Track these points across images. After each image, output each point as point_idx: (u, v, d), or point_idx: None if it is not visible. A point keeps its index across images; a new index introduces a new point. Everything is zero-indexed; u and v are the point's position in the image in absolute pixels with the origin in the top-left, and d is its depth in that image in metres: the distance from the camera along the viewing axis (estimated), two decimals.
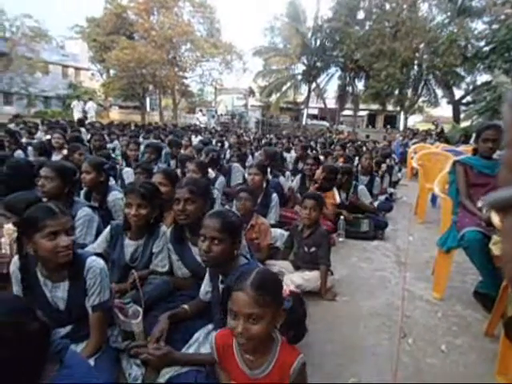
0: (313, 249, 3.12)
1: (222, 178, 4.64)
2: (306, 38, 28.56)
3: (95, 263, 1.89)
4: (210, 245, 1.86)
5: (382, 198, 5.88)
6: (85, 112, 19.41)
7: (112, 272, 2.35)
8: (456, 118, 22.67)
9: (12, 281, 1.89)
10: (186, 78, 31.66)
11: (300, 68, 30.74)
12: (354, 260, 3.93)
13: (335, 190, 4.72)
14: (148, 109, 33.46)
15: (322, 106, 31.64)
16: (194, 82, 33.06)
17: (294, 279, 3.01)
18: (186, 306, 2.13)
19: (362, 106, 31.73)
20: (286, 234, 3.54)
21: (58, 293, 1.84)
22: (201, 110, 26.79)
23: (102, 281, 1.89)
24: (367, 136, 19.52)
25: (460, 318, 2.80)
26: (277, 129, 27.14)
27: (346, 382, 2.05)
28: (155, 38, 27.66)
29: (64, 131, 8.02)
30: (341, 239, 4.42)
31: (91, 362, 1.72)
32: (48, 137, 7.37)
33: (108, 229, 2.54)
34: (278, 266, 3.20)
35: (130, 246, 2.46)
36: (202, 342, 1.93)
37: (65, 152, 5.49)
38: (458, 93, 24.75)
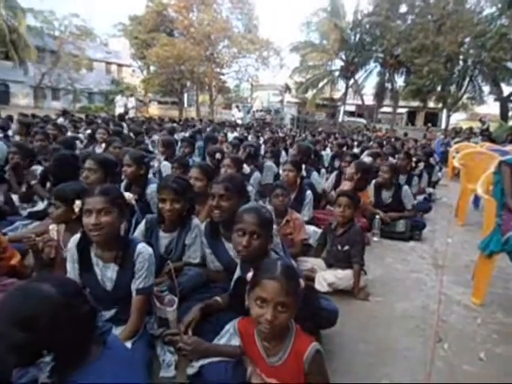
0: (346, 247, 3.08)
1: (257, 174, 4.65)
2: (344, 32, 27.99)
3: (145, 249, 2.01)
4: (250, 239, 1.89)
5: (420, 197, 5.70)
6: (126, 107, 20.10)
7: None
8: (504, 116, 21.45)
9: (67, 259, 2.03)
10: (223, 74, 32.01)
11: (337, 64, 30.21)
12: (389, 260, 3.84)
13: (370, 189, 4.62)
14: (185, 104, 34.14)
15: (360, 102, 30.96)
16: (231, 79, 33.42)
17: (326, 277, 2.99)
18: (218, 298, 2.17)
19: (401, 103, 30.68)
20: (319, 231, 3.52)
21: (108, 273, 1.96)
22: (237, 106, 27.01)
23: (149, 267, 2.01)
24: (405, 134, 18.87)
25: (501, 326, 2.67)
26: (312, 125, 26.85)
27: (379, 383, 2.02)
28: (194, 34, 28.13)
29: (106, 125, 8.37)
30: (375, 239, 4.33)
31: (128, 344, 1.81)
32: (88, 131, 7.69)
33: (143, 222, 2.64)
34: (311, 263, 3.20)
35: (164, 238, 2.55)
36: (234, 334, 1.96)
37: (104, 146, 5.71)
38: (506, 89, 23.38)
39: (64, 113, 12.74)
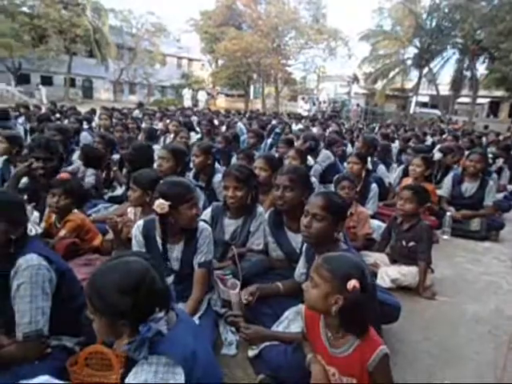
0: (412, 243, 2.97)
1: (317, 166, 4.64)
2: (419, 18, 26.26)
3: (205, 227, 2.20)
4: (311, 220, 1.92)
5: (499, 195, 5.25)
6: (195, 100, 20.89)
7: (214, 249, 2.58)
8: None
9: (133, 244, 2.22)
10: (290, 65, 31.83)
11: (411, 52, 28.46)
12: (460, 260, 3.62)
13: (448, 180, 4.35)
14: (251, 97, 34.58)
15: (434, 92, 28.90)
16: (297, 70, 33.13)
17: (389, 273, 2.92)
18: (279, 284, 2.24)
19: (482, 93, 28.07)
20: (384, 225, 3.42)
21: (174, 253, 2.13)
22: (303, 98, 26.75)
23: (210, 243, 2.19)
24: (486, 127, 17.27)
25: None
26: (381, 117, 25.74)
27: (441, 383, 1.95)
28: (262, 27, 28.28)
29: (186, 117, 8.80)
30: (445, 237, 4.09)
31: (196, 320, 1.95)
32: (160, 124, 8.18)
33: (209, 209, 2.77)
34: (374, 257, 3.13)
35: (229, 224, 2.66)
36: (292, 320, 2.02)
37: (172, 136, 6.04)
38: None
39: (139, 106, 13.63)
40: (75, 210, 2.70)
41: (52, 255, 1.70)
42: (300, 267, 2.22)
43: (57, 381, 1.40)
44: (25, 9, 23.19)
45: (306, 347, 1.67)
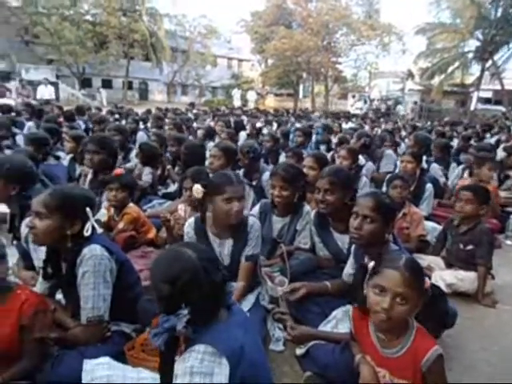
0: (470, 246, 2.80)
1: (369, 164, 4.53)
2: (482, 8, 24.56)
3: (255, 221, 2.26)
4: (362, 223, 1.90)
5: None
6: (244, 100, 21.14)
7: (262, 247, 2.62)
8: None
9: (184, 239, 2.31)
10: (340, 63, 31.20)
11: (472, 45, 26.66)
12: None
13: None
14: (301, 96, 34.36)
15: (498, 87, 26.87)
16: (348, 67, 32.37)
17: (445, 277, 2.79)
18: (327, 283, 2.23)
19: None
20: (439, 228, 3.27)
21: (225, 249, 2.20)
22: (353, 96, 26.12)
23: (258, 237, 2.23)
24: None
25: None
26: (438, 115, 24.42)
27: None
28: (312, 25, 27.98)
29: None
30: (509, 242, 3.82)
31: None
32: (212, 123, 8.39)
33: (258, 206, 2.82)
34: (428, 260, 3.00)
35: (277, 222, 2.69)
36: (341, 320, 2.00)
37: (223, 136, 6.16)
38: None
39: (190, 106, 14.08)
40: (131, 204, 2.86)
41: (113, 247, 1.82)
42: (348, 268, 2.20)
43: (116, 363, 1.51)
44: (88, 17, 24.77)
45: (355, 347, 1.66)
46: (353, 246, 2.17)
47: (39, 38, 22.16)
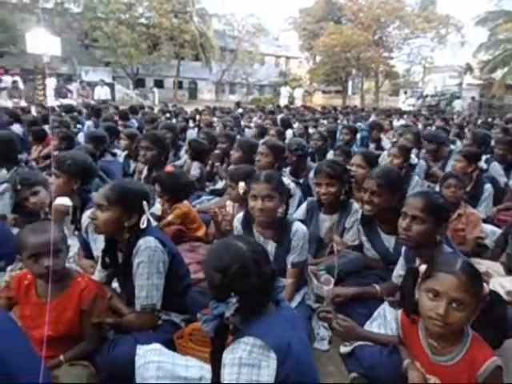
0: None
1: (422, 163, 4.34)
2: None
3: (300, 228, 2.22)
4: (410, 223, 1.84)
5: None
6: (292, 97, 21.04)
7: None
8: None
9: (233, 233, 2.36)
10: (392, 58, 30.10)
11: None
12: None
13: None
14: (349, 92, 33.59)
15: None
16: (401, 62, 31.16)
17: (505, 284, 2.60)
18: (376, 286, 2.17)
19: None
20: (499, 231, 3.06)
21: (268, 247, 2.20)
22: (405, 92, 25.09)
23: (304, 244, 2.20)
24: None
25: None
26: (500, 111, 22.78)
27: None
28: (362, 19, 27.26)
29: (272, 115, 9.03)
30: None
31: None
32: (259, 121, 8.44)
33: (305, 204, 2.81)
34: (486, 265, 2.82)
35: (325, 220, 2.67)
36: (388, 320, 1.94)
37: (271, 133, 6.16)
38: None
39: (237, 104, 14.27)
40: (185, 201, 2.96)
41: (166, 239, 1.92)
42: (398, 269, 2.13)
43: (166, 350, 1.58)
44: (142, 20, 25.86)
45: (403, 352, 1.61)
46: (403, 247, 2.10)
47: (98, 41, 23.53)
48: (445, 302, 1.31)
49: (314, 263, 2.48)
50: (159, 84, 28.29)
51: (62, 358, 1.65)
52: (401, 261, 2.11)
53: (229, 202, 3.02)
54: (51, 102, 12.27)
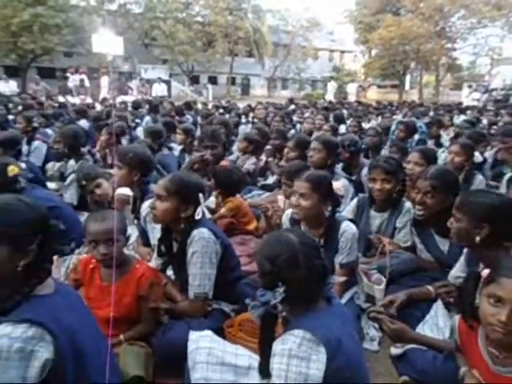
0: None
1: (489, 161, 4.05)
2: None
3: (349, 228, 2.17)
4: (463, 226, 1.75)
5: None
6: (344, 93, 20.54)
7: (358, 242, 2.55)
8: None
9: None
10: (455, 49, 28.28)
11: None
12: None
13: None
14: (407, 87, 32.09)
15: None
16: (465, 54, 29.17)
17: None
18: (430, 288, 2.08)
19: None
20: None
21: None
22: (469, 86, 23.47)
23: (353, 244, 2.16)
24: None
25: None
26: None
27: None
28: (423, 9, 25.84)
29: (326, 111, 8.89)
30: None
31: None
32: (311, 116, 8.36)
33: (355, 200, 2.74)
34: None
35: (376, 218, 2.59)
36: (442, 324, 1.86)
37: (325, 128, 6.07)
38: None
39: (290, 101, 14.21)
40: (237, 195, 3.04)
41: (218, 231, 1.99)
42: (457, 270, 2.02)
43: (217, 337, 1.64)
44: (199, 18, 26.54)
45: (460, 359, 1.54)
46: (464, 249, 1.99)
47: (156, 40, 24.51)
48: (508, 309, 1.23)
49: (365, 262, 2.43)
50: (213, 80, 28.93)
51: (122, 337, 1.77)
52: (461, 262, 1.99)
53: (280, 197, 3.04)
54: (108, 98, 13.07)
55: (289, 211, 2.37)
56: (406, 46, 26.01)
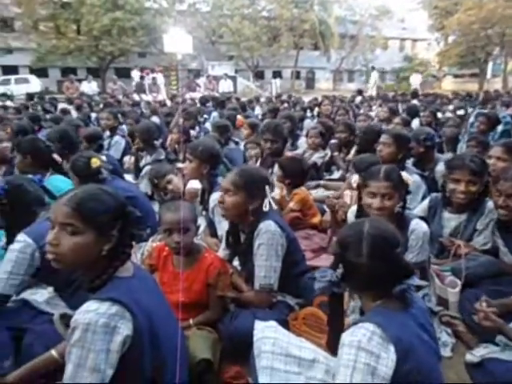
0: None
1: None
2: None
3: (418, 226, 2.05)
4: None
5: None
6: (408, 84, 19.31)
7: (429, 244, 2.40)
8: None
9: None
10: None
11: None
12: None
13: None
14: (489, 75, 29.33)
15: None
16: None
17: None
18: None
19: None
20: None
21: None
22: None
23: (424, 243, 2.04)
24: None
25: None
26: None
27: None
28: None
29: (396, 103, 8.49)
30: None
31: None
32: (379, 109, 8.03)
33: (427, 200, 2.58)
34: None
35: (451, 219, 2.41)
36: None
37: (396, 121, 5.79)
38: None
39: (360, 92, 13.77)
40: (302, 187, 3.03)
41: (284, 225, 2.00)
42: None
43: (282, 328, 1.65)
44: (264, 13, 26.64)
45: None
46: None
47: (223, 37, 25.13)
48: None
49: (438, 264, 2.29)
50: (277, 75, 28.93)
51: (191, 321, 1.87)
52: None
53: (347, 192, 2.98)
54: (160, 95, 13.85)
55: (353, 208, 2.31)
56: (489, 31, 23.75)
